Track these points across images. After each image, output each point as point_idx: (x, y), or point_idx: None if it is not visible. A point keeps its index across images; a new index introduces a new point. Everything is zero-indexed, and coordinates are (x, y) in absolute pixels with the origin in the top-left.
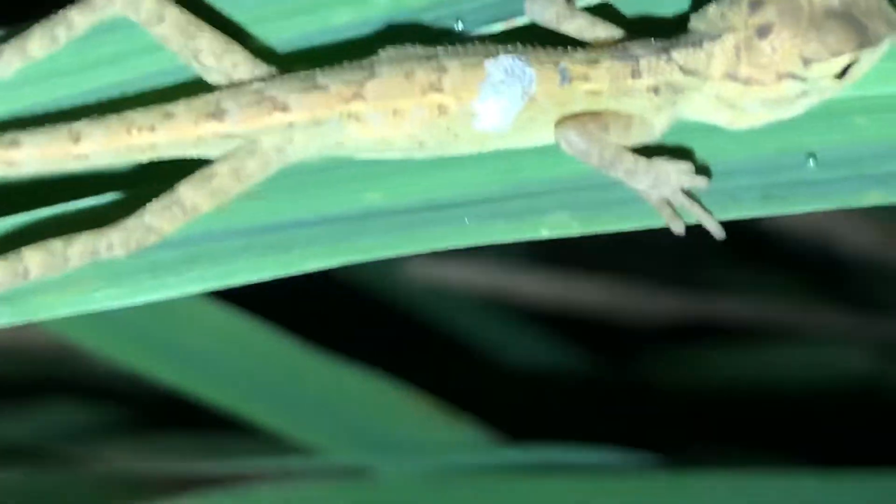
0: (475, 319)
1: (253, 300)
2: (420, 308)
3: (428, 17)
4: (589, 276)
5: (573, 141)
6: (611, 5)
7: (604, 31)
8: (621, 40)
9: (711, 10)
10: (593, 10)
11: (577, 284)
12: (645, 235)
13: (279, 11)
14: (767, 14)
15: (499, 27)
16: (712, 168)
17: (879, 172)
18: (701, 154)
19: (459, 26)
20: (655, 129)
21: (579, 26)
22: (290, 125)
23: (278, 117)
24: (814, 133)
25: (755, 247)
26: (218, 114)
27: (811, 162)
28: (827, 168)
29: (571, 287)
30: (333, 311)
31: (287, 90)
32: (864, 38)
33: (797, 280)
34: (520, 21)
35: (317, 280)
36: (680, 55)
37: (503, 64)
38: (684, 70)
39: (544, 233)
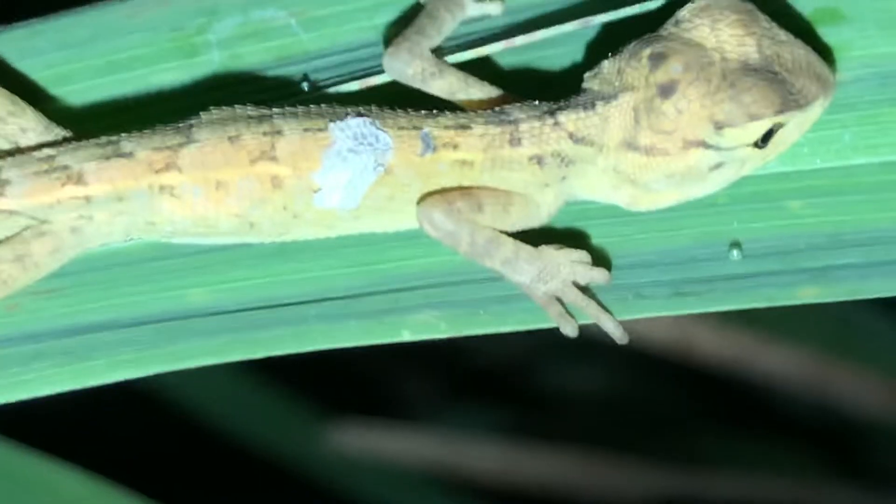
0: (416, 498)
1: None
2: (349, 486)
3: (270, 76)
4: (552, 448)
5: (438, 221)
6: (489, 60)
7: (479, 90)
8: (501, 102)
9: (606, 65)
10: (467, 66)
11: (538, 457)
12: (618, 395)
13: (93, 67)
14: (671, 69)
15: (354, 87)
16: (613, 258)
17: (816, 266)
18: (598, 241)
19: (307, 86)
20: (542, 210)
21: (449, 85)
22: (88, 200)
23: (72, 190)
24: (738, 219)
25: (741, 407)
26: None
27: (735, 253)
28: (753, 261)
29: (531, 460)
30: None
31: (83, 158)
32: (788, 99)
33: (792, 445)
34: (378, 80)
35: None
36: (569, 119)
37: (352, 128)
38: (574, 137)
39: (406, 335)
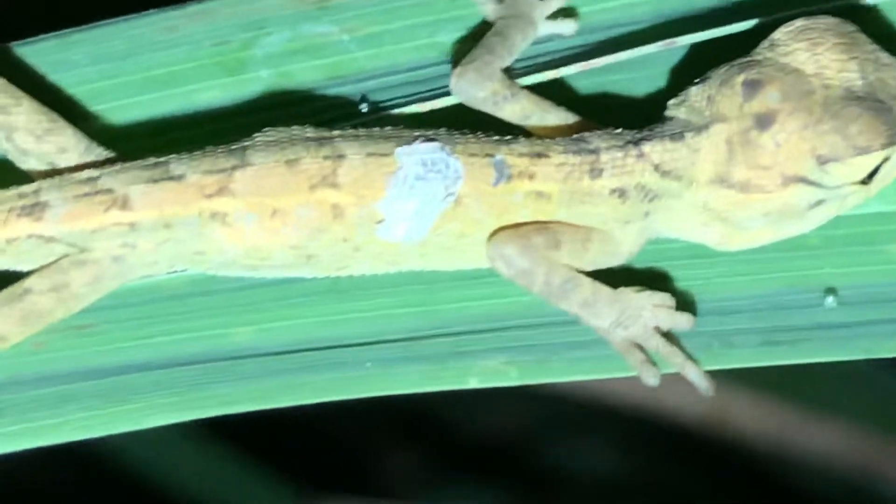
0: None
1: None
2: None
3: (324, 96)
4: None
5: (512, 258)
6: (563, 83)
7: (555, 116)
8: (578, 129)
9: (694, 91)
10: (541, 89)
11: None
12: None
13: (129, 83)
14: (769, 98)
15: (417, 109)
16: (699, 303)
17: None
18: (684, 284)
19: (365, 107)
20: (622, 248)
21: (523, 109)
22: (132, 227)
23: (116, 216)
24: (832, 263)
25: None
26: (35, 209)
27: (830, 300)
28: (848, 308)
29: None
30: None
31: (129, 181)
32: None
33: None
34: (445, 102)
35: None
36: (654, 150)
37: (420, 153)
38: (661, 170)
39: (473, 382)
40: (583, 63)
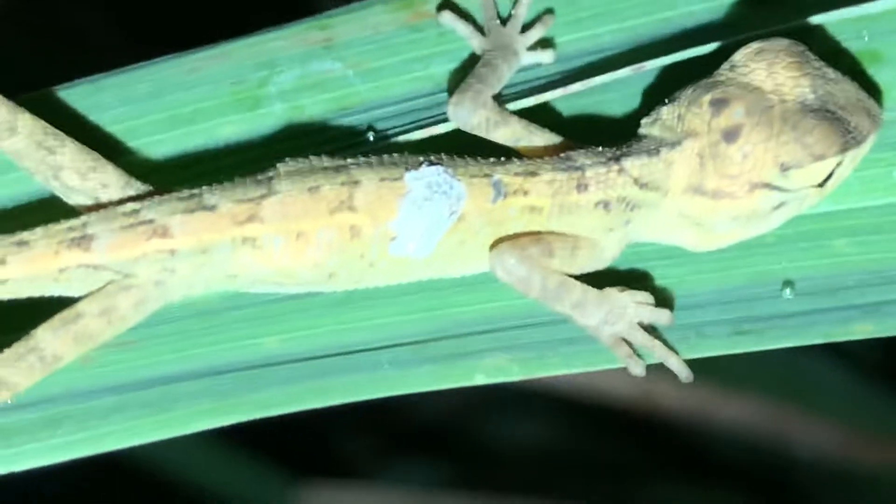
0: None
1: None
2: None
3: (334, 126)
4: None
5: (511, 267)
6: (548, 107)
7: (542, 138)
8: (563, 148)
9: (666, 111)
10: (528, 113)
11: None
12: (569, 448)
13: (157, 122)
14: (734, 114)
15: (419, 135)
16: (675, 299)
17: (866, 302)
18: (661, 283)
19: (371, 136)
20: (606, 253)
21: (513, 133)
22: (172, 253)
23: (157, 244)
24: (787, 258)
25: (696, 457)
26: (84, 241)
27: (787, 292)
28: (806, 298)
29: None
30: None
31: (167, 212)
32: (848, 138)
33: (735, 490)
34: (443, 128)
35: None
36: (633, 165)
37: (426, 177)
38: (640, 182)
39: (480, 379)
40: (563, 88)
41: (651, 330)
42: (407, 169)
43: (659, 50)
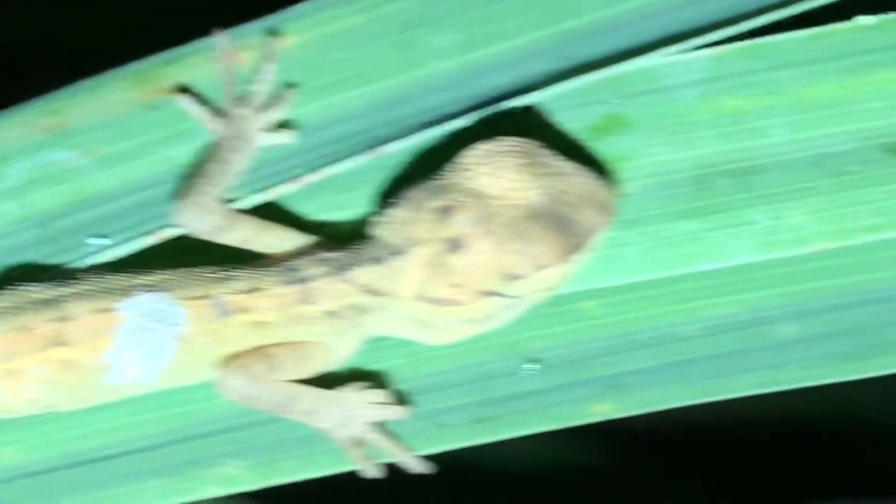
0: None
1: None
2: None
3: (57, 226)
4: None
5: (236, 388)
6: (276, 205)
7: (273, 237)
8: (290, 257)
9: (391, 214)
10: (263, 207)
11: None
12: None
13: None
14: (459, 223)
15: (149, 241)
16: (412, 385)
17: (608, 374)
18: (400, 363)
19: (94, 241)
20: (340, 352)
21: (243, 237)
22: None
23: None
24: (534, 326)
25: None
26: None
27: (530, 366)
28: (549, 372)
29: None
30: None
31: None
32: (573, 242)
33: None
34: (171, 233)
35: None
36: (361, 274)
37: (140, 305)
38: (368, 289)
39: (212, 491)
40: (297, 180)
41: (385, 429)
42: (119, 299)
43: (395, 130)
